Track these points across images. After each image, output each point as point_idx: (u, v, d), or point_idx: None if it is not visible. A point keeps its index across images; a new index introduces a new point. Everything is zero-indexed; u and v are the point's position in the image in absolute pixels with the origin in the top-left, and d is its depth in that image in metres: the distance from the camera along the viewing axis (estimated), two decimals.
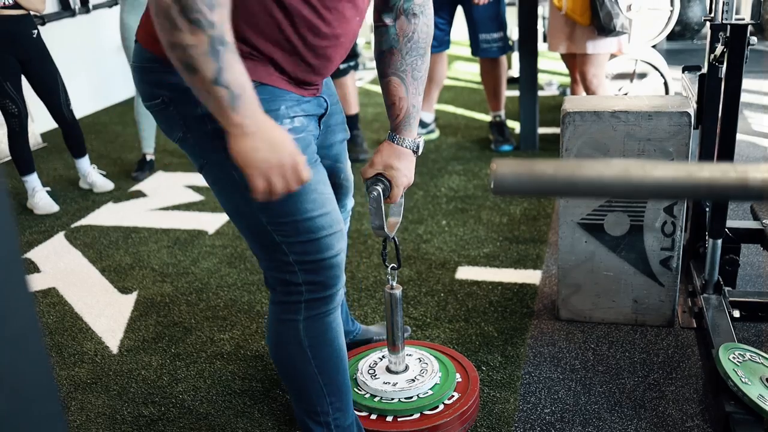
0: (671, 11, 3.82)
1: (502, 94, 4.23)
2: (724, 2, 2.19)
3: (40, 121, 4.97)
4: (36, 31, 3.54)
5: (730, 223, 2.40)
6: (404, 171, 1.67)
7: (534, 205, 3.37)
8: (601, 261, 2.33)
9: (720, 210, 2.29)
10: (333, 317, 1.58)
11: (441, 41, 4.14)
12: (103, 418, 2.06)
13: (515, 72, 5.61)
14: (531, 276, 2.72)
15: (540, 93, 4.46)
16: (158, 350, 2.38)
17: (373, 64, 7.15)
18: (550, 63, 6.13)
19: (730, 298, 2.32)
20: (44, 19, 4.86)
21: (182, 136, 1.43)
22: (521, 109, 4.08)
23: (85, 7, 5.38)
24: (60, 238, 3.32)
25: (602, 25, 3.47)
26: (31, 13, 3.51)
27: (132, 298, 2.73)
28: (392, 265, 1.89)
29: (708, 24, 2.37)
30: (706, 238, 2.39)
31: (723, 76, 2.25)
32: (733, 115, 2.23)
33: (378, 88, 6.01)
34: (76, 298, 2.76)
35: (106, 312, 2.64)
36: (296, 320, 1.53)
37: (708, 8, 2.43)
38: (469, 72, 6.27)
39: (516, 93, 4.24)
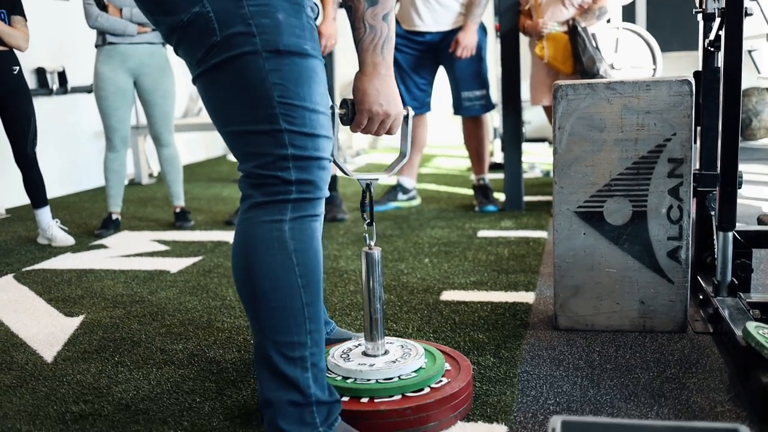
0: (654, 69, 3.79)
1: (486, 157, 4.11)
2: None
3: (6, 196, 4.77)
4: (18, 68, 3.45)
5: (739, 227, 2.20)
6: (371, 93, 1.40)
7: (522, 246, 3.15)
8: (602, 256, 2.09)
9: (729, 199, 2.10)
10: (318, 225, 1.40)
11: (422, 103, 4.07)
12: (23, 415, 1.72)
13: (498, 158, 5.56)
14: (523, 296, 2.46)
15: (524, 176, 4.34)
16: (100, 359, 2.06)
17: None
18: (532, 157, 6.09)
19: (747, 300, 2.08)
20: None
21: (197, 11, 1.29)
22: (506, 168, 3.94)
23: (63, 87, 5.32)
24: (8, 278, 3.03)
25: (585, 70, 3.41)
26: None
27: (77, 320, 2.43)
28: (368, 221, 1.66)
29: (700, 16, 2.29)
30: (715, 237, 2.18)
31: (720, 63, 2.14)
32: (735, 103, 2.08)
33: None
34: (15, 320, 2.45)
35: (46, 330, 2.33)
36: (282, 220, 1.34)
37: (697, 3, 2.35)
38: (448, 167, 6.21)
39: (500, 176, 4.08)
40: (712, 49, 2.22)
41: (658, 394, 1.71)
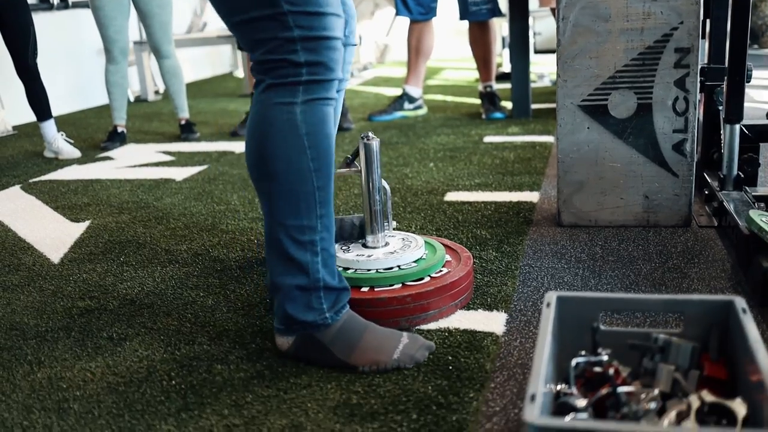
0: None
1: (493, 63, 4.03)
2: None
3: (12, 112, 4.75)
4: None
5: (746, 122, 2.16)
6: None
7: (528, 150, 3.12)
8: (606, 150, 2.07)
9: (737, 90, 2.05)
10: (331, 110, 1.37)
11: (428, 8, 3.97)
12: (30, 311, 1.75)
13: (507, 68, 5.45)
14: (528, 196, 2.45)
15: (533, 85, 4.29)
16: (105, 260, 2.09)
17: (364, 73, 6.99)
18: (541, 67, 5.98)
19: (753, 194, 2.05)
20: None
21: None
22: (513, 74, 3.87)
23: (64, 2, 5.22)
24: (15, 189, 3.04)
25: None
26: None
27: (83, 225, 2.44)
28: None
29: None
30: (722, 130, 2.14)
31: None
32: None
33: (365, 88, 5.86)
34: (22, 226, 2.47)
35: (53, 235, 2.35)
36: (294, 102, 1.32)
37: None
38: (456, 78, 6.11)
39: (509, 86, 4.02)
40: None
41: (659, 283, 1.71)
